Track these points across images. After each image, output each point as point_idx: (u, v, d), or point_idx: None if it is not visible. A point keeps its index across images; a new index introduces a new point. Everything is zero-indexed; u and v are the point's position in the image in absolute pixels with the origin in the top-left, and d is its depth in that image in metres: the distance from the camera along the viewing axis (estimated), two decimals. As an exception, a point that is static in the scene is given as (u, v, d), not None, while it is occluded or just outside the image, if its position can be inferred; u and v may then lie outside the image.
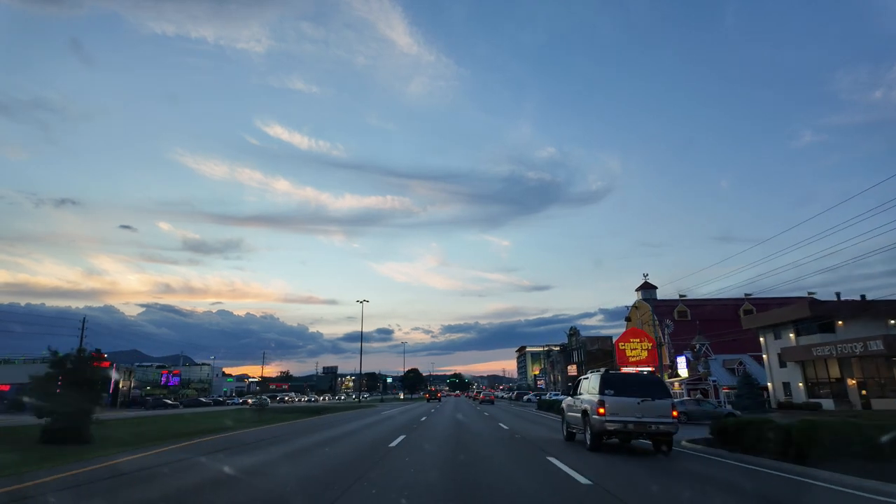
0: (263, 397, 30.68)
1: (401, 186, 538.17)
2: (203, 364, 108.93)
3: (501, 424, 23.73)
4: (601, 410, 11.90)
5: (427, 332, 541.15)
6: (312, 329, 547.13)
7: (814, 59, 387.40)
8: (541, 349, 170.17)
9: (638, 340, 69.02)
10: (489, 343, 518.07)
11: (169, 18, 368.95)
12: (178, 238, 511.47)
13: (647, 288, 75.17)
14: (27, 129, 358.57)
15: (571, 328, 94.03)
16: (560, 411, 17.15)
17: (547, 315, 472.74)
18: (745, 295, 68.48)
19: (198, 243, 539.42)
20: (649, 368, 66.57)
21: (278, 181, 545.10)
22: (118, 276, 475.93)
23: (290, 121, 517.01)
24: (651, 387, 12.61)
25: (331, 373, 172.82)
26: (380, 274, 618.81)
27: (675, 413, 12.10)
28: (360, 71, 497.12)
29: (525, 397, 61.89)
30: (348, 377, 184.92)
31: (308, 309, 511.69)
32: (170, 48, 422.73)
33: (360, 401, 72.50)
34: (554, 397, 43.27)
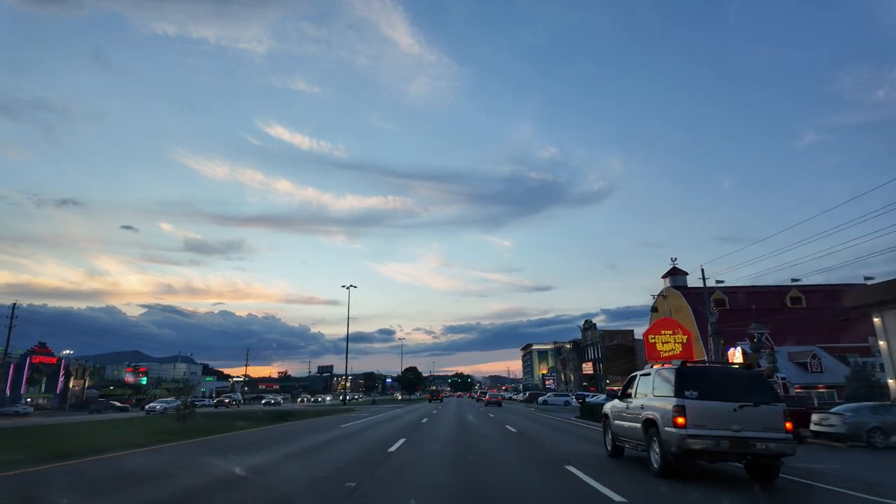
0: (190, 400, 21.53)
1: (402, 187, 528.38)
2: (200, 362, 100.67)
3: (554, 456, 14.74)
4: (680, 420, 8.18)
5: (429, 332, 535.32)
6: (314, 330, 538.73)
7: (816, 58, 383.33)
8: (548, 347, 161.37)
9: (670, 332, 60.20)
10: (491, 344, 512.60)
11: (170, 19, 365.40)
12: (179, 239, 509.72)
13: (675, 274, 66.34)
14: (29, 130, 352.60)
15: (586, 321, 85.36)
16: (602, 419, 12.48)
17: (549, 315, 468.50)
18: (792, 280, 59.80)
19: (199, 244, 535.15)
20: None
21: (280, 181, 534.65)
22: (120, 276, 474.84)
23: (292, 121, 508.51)
24: (751, 386, 8.75)
25: (326, 372, 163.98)
26: (381, 274, 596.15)
27: (789, 425, 8.21)
28: (361, 71, 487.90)
29: (541, 398, 53.08)
30: (344, 377, 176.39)
31: (310, 309, 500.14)
32: (171, 48, 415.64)
33: (345, 402, 63.67)
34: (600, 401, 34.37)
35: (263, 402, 67.52)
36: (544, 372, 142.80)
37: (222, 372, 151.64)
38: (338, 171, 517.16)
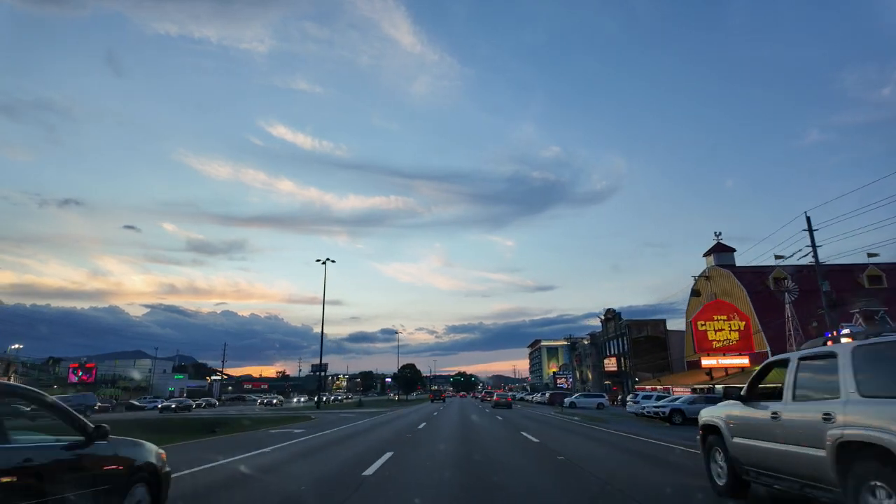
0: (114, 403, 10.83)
1: (405, 187, 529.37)
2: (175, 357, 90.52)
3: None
4: None
5: (431, 332, 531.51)
6: (317, 330, 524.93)
7: (819, 57, 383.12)
8: (559, 343, 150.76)
9: (724, 318, 49.59)
10: (493, 343, 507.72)
11: (172, 19, 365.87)
12: (182, 239, 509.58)
13: (721, 251, 55.85)
14: (31, 131, 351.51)
15: (608, 311, 74.61)
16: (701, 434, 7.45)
17: (551, 315, 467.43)
18: (869, 255, 49.30)
19: (202, 244, 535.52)
20: (744, 361, 47.46)
21: (282, 182, 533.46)
22: (123, 277, 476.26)
23: (294, 121, 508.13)
24: None
25: (320, 371, 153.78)
26: (384, 274, 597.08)
27: None
28: (363, 71, 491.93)
29: (567, 400, 42.50)
30: (341, 376, 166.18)
31: (312, 309, 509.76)
32: (173, 48, 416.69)
33: (319, 405, 53.16)
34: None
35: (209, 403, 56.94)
36: (554, 370, 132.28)
37: (222, 371, 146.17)
38: (340, 170, 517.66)
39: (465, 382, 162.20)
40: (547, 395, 49.08)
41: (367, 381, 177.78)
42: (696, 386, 44.72)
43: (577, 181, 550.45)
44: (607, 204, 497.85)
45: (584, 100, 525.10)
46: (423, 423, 22.85)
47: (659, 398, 28.47)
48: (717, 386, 42.98)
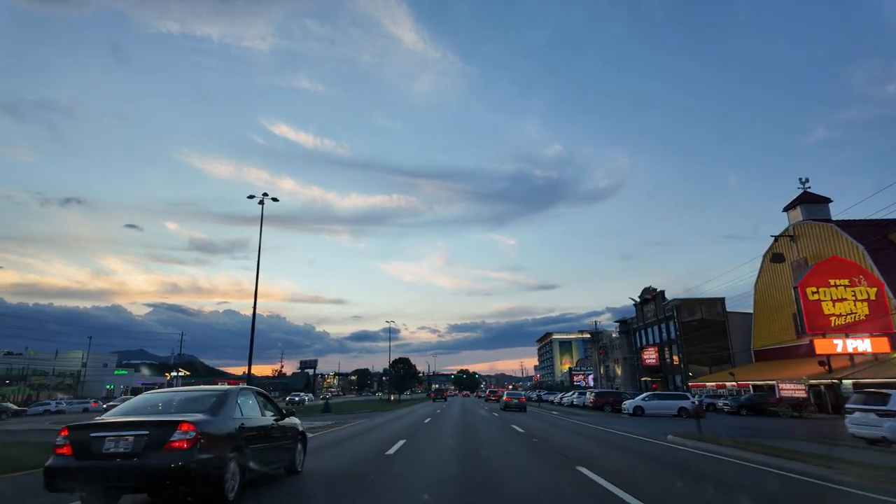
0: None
1: (407, 185, 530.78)
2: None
3: None
4: None
5: (433, 331, 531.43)
6: (319, 328, 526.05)
7: (826, 54, 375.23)
8: (574, 336, 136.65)
9: (845, 283, 35.00)
10: (495, 343, 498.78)
11: (174, 17, 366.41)
12: (184, 238, 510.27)
13: (811, 202, 41.65)
14: (34, 130, 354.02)
15: (646, 290, 60.43)
16: None
17: (554, 314, 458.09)
18: None
19: (205, 243, 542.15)
20: (882, 345, 31.93)
21: (284, 180, 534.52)
22: (126, 276, 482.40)
23: (296, 120, 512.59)
24: None
25: (309, 368, 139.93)
26: (386, 273, 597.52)
27: None
28: (365, 69, 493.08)
29: (627, 404, 28.06)
30: (331, 375, 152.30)
31: (315, 308, 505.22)
32: (175, 47, 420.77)
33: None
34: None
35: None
36: (569, 366, 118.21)
37: (224, 372, 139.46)
38: (342, 169, 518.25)
39: (467, 381, 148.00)
40: (590, 395, 34.70)
41: (362, 380, 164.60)
42: (810, 381, 30.66)
43: (580, 179, 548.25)
44: (610, 202, 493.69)
45: (587, 97, 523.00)
46: (400, 443, 10.36)
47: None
48: (844, 381, 28.97)
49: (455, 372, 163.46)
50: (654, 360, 57.22)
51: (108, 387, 64.26)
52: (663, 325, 56.58)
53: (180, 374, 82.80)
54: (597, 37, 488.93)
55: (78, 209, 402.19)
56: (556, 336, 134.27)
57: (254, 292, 24.09)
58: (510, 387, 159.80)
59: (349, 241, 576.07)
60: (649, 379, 58.88)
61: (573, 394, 43.80)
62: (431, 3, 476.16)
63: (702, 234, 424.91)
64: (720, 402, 32.28)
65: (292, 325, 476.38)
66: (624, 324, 68.60)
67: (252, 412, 6.83)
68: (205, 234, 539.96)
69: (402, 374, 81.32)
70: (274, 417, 7.45)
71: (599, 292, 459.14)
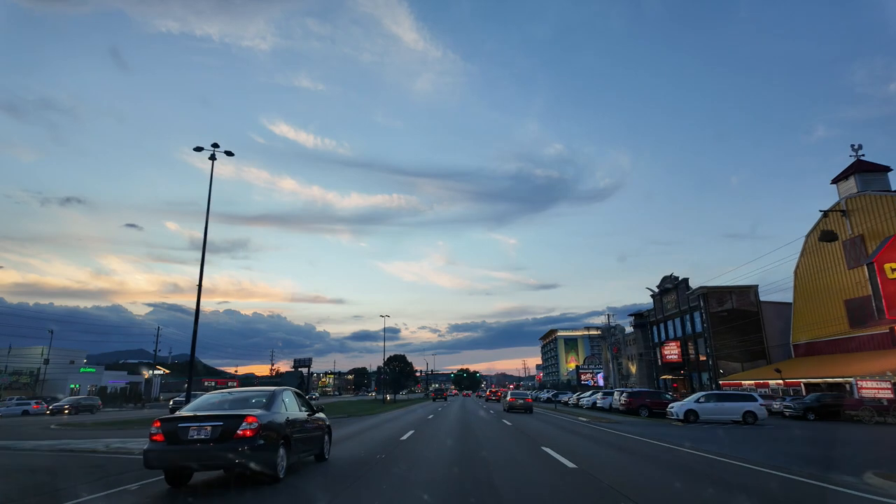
0: None
1: (407, 185, 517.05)
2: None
3: None
4: None
5: (434, 330, 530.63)
6: (319, 328, 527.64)
7: (827, 52, 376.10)
8: (580, 333, 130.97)
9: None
10: (496, 342, 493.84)
11: (174, 16, 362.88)
12: (185, 238, 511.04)
13: (866, 171, 36.02)
14: (35, 130, 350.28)
15: (666, 278, 54.71)
16: None
17: (554, 314, 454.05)
18: None
19: None
20: None
21: (285, 180, 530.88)
22: (126, 275, 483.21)
23: (297, 119, 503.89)
24: None
25: (303, 366, 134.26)
26: (387, 273, 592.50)
27: None
28: (366, 68, 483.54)
29: (679, 406, 21.44)
30: (326, 374, 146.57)
31: (315, 308, 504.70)
32: (175, 46, 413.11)
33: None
34: None
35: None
36: (575, 364, 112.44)
37: (220, 370, 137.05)
38: (343, 169, 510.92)
39: (467, 380, 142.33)
40: (619, 396, 28.13)
41: (359, 379, 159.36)
42: None
43: (581, 178, 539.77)
44: (611, 201, 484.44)
45: (589, 96, 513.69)
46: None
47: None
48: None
49: (455, 371, 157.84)
50: (675, 356, 51.58)
51: (71, 385, 58.63)
52: (686, 317, 50.93)
53: (159, 371, 77.46)
54: (598, 35, 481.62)
55: (78, 208, 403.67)
56: (560, 333, 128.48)
57: (204, 283, 18.66)
58: (512, 386, 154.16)
59: (350, 240, 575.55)
60: (670, 377, 53.25)
61: (594, 394, 37.80)
62: (432, 1, 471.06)
63: (704, 234, 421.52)
64: (775, 405, 26.64)
65: (293, 325, 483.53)
66: (639, 317, 62.96)
67: (292, 408, 8.62)
68: None
69: (397, 373, 75.57)
70: (307, 413, 9.23)
71: (600, 292, 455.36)
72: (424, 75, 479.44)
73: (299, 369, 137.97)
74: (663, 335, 56.67)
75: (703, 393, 22.05)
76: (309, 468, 8.67)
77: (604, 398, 32.25)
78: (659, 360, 56.02)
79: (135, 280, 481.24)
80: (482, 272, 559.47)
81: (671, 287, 53.57)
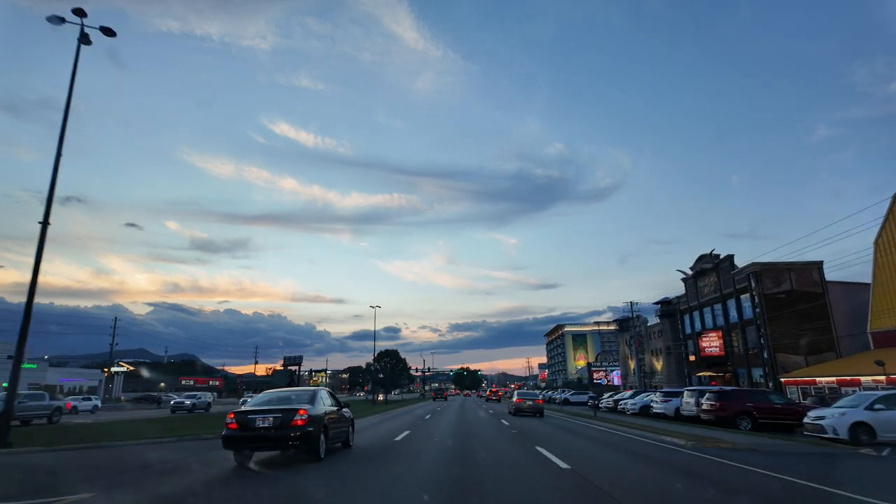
0: None
1: (408, 184, 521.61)
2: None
3: None
4: None
5: (434, 330, 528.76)
6: (320, 328, 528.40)
7: (828, 51, 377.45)
8: (589, 329, 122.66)
9: None
10: (496, 342, 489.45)
11: (174, 15, 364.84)
12: (185, 237, 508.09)
13: None
14: (35, 129, 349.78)
15: (705, 256, 46.38)
16: None
17: (555, 313, 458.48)
18: None
19: (206, 242, 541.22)
20: None
21: (285, 180, 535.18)
22: (127, 275, 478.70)
23: (297, 118, 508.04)
24: None
25: (294, 364, 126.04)
26: (387, 273, 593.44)
27: None
28: (366, 67, 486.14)
29: (834, 421, 13.40)
30: (320, 373, 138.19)
31: (316, 308, 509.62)
32: (176, 45, 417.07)
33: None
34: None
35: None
36: (585, 362, 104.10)
37: (218, 369, 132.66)
38: (343, 168, 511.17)
39: (468, 379, 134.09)
40: (694, 398, 19.08)
41: (354, 378, 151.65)
42: None
43: (582, 178, 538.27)
44: (611, 201, 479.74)
45: (589, 95, 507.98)
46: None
47: None
48: None
49: (456, 368, 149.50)
50: (716, 349, 43.29)
51: (3, 384, 50.63)
52: (731, 302, 42.62)
53: (121, 368, 69.98)
54: (598, 34, 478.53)
55: (78, 208, 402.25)
56: (568, 328, 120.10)
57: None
58: (516, 385, 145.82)
59: (350, 240, 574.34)
60: (710, 374, 44.95)
61: (644, 395, 28.90)
62: (432, 0, 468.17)
63: (705, 233, 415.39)
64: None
65: (293, 325, 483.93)
66: (666, 305, 54.63)
67: (328, 404, 10.62)
68: (205, 233, 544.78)
69: (389, 370, 67.23)
70: (337, 408, 11.19)
71: (601, 292, 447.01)
72: (425, 74, 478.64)
73: (289, 368, 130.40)
74: (697, 325, 48.38)
75: (879, 394, 13.33)
76: (339, 452, 10.54)
77: (664, 401, 23.69)
78: (691, 355, 47.68)
79: (135, 279, 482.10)
80: (482, 272, 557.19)
81: (709, 267, 45.23)
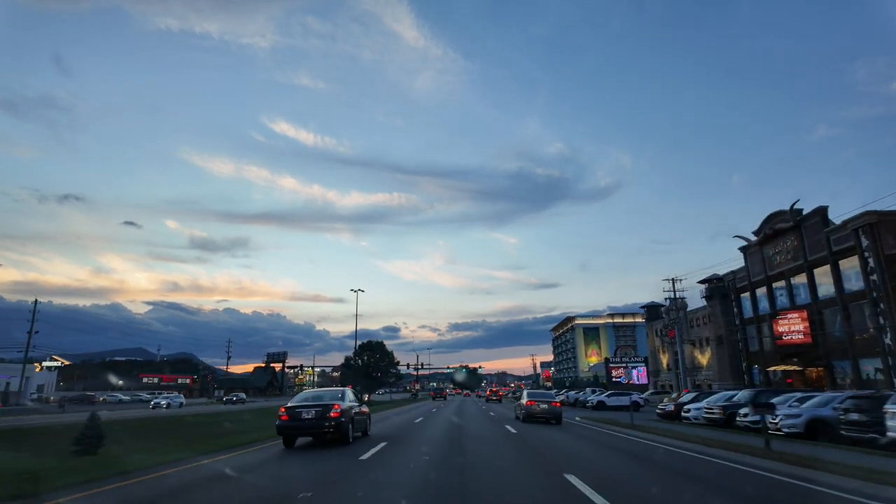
0: None
1: (408, 183, 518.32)
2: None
3: None
4: None
5: (434, 329, 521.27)
6: (319, 327, 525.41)
7: (829, 51, 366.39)
8: (602, 322, 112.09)
9: None
10: (496, 341, 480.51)
11: (173, 13, 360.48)
12: (185, 236, 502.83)
13: None
14: (35, 128, 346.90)
15: (776, 214, 35.58)
16: None
17: (555, 313, 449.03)
18: None
19: (205, 241, 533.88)
20: None
21: (285, 179, 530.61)
22: (126, 274, 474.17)
23: (297, 117, 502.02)
24: None
25: (276, 362, 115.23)
26: (387, 272, 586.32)
27: None
28: (366, 66, 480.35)
29: None
30: (307, 370, 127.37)
31: (315, 307, 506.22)
32: (175, 44, 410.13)
33: None
34: None
35: None
36: (598, 359, 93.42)
37: (218, 368, 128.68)
38: (343, 167, 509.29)
39: (468, 376, 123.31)
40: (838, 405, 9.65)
41: (345, 376, 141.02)
42: None
43: (582, 178, 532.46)
44: (611, 201, 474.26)
45: (589, 95, 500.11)
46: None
47: None
48: None
49: (455, 367, 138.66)
50: (800, 335, 32.37)
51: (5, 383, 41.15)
52: (820, 271, 31.77)
53: (54, 363, 59.70)
54: (598, 34, 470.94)
55: (77, 206, 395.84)
56: (579, 321, 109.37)
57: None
58: (515, 385, 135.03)
59: (350, 239, 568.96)
60: (787, 368, 34.03)
61: (718, 397, 17.93)
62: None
63: (705, 233, 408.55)
64: None
65: (292, 324, 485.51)
66: (717, 282, 43.68)
67: (352, 401, 13.44)
68: (205, 232, 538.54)
69: (371, 365, 56.45)
70: (358, 404, 14.05)
71: (601, 291, 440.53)
72: (425, 73, 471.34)
73: (271, 365, 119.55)
74: (764, 305, 37.58)
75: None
76: (361, 439, 13.21)
77: (826, 406, 11.63)
78: (775, 343, 36.73)
79: (134, 278, 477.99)
80: (482, 271, 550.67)
81: (788, 227, 34.28)
